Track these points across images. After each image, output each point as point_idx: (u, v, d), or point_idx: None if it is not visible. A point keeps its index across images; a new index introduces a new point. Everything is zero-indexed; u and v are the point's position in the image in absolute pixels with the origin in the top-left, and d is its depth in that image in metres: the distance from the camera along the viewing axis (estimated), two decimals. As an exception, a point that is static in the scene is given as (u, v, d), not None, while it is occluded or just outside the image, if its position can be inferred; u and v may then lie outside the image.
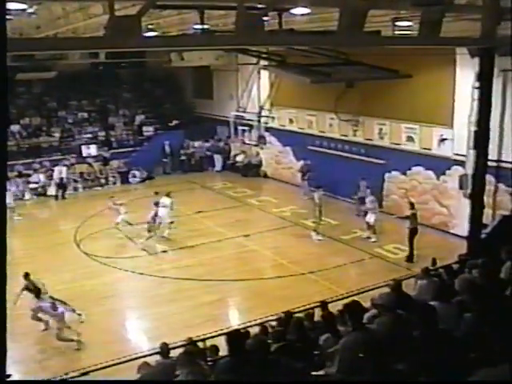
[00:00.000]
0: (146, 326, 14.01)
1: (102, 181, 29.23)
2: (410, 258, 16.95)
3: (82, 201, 26.53)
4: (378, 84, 20.07)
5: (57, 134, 31.28)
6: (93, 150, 30.40)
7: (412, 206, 17.31)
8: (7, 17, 12.50)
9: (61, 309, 13.04)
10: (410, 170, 20.69)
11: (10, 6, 10.57)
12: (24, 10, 11.54)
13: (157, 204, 19.31)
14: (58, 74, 31.10)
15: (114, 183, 29.28)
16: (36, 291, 13.47)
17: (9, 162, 27.83)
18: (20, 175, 27.68)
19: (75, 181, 28.55)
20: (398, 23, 13.41)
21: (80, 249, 19.22)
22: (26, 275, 13.80)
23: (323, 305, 10.38)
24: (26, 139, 30.52)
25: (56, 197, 26.60)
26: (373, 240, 18.91)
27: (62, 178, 27.13)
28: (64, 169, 27.58)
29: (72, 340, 12.77)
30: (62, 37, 15.47)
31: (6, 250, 3.58)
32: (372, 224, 19.03)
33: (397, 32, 13.97)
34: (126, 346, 12.69)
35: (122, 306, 15.16)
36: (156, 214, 19.12)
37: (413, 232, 17.04)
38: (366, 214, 19.34)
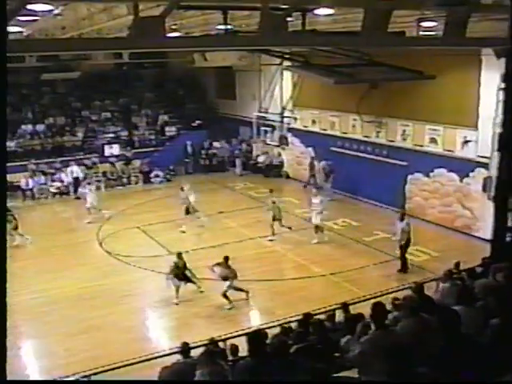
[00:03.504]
0: (166, 325, 14.07)
1: (125, 180, 29.45)
2: (403, 268, 16.47)
3: (104, 200, 26.70)
4: (402, 85, 19.95)
5: (80, 134, 31.58)
6: (115, 149, 30.62)
7: (402, 216, 16.61)
8: (33, 18, 12.65)
9: None
10: (432, 172, 20.52)
11: (37, 7, 10.67)
12: (50, 11, 11.64)
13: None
14: (82, 74, 31.40)
15: (137, 183, 29.47)
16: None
17: (33, 161, 28.31)
18: (44, 174, 28.00)
19: (98, 180, 28.78)
20: (422, 23, 13.29)
21: (102, 247, 19.36)
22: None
23: (344, 306, 10.33)
24: (50, 138, 30.87)
25: (77, 197, 26.89)
26: (315, 242, 18.91)
27: (77, 178, 27.39)
28: (77, 168, 27.86)
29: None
30: (86, 37, 15.60)
31: (6, 250, 3.59)
32: (319, 225, 19.08)
33: (421, 32, 13.86)
34: (146, 344, 12.76)
35: (142, 304, 15.22)
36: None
37: (405, 243, 16.44)
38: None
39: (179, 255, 15.05)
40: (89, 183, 24.88)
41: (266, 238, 19.33)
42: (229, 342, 9.61)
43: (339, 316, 10.07)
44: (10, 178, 27.16)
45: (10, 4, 9.40)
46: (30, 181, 27.42)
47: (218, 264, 14.71)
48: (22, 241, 19.51)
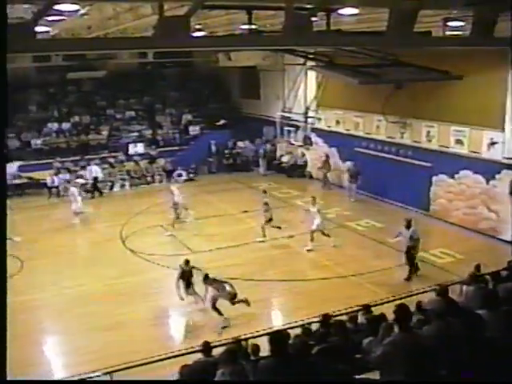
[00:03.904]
0: (189, 324, 14.12)
1: (149, 179, 29.63)
2: (412, 273, 16.05)
3: (128, 198, 26.93)
4: (427, 85, 19.78)
5: (105, 132, 31.85)
6: (140, 148, 30.85)
7: (409, 224, 16.13)
8: (61, 18, 12.79)
9: None
10: (457, 173, 20.29)
11: (63, 7, 10.79)
12: (76, 11, 11.77)
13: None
14: (108, 73, 31.68)
15: (161, 181, 29.62)
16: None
17: (59, 159, 28.65)
18: (69, 171, 28.30)
19: (122, 179, 29.04)
20: (449, 23, 13.16)
21: (125, 245, 19.49)
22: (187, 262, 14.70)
23: (366, 308, 10.27)
24: (75, 137, 31.20)
25: (92, 196, 27.14)
26: (308, 248, 18.55)
27: (95, 178, 27.63)
28: (96, 167, 28.10)
29: (222, 314, 13.50)
30: (111, 37, 15.74)
31: (6, 250, 3.61)
32: (313, 229, 18.67)
33: (448, 32, 13.73)
34: (169, 342, 12.83)
35: (166, 302, 15.28)
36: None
37: (410, 250, 15.99)
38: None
39: (187, 263, 14.71)
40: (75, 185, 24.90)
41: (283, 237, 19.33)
42: (250, 342, 9.62)
43: (361, 317, 10.01)
44: (35, 175, 27.62)
45: (38, 4, 9.52)
46: (56, 178, 27.73)
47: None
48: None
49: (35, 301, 15.48)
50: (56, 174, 27.97)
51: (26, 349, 12.76)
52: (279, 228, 19.44)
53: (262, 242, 19.19)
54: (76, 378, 10.38)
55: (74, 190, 23.22)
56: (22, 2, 9.91)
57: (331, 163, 26.94)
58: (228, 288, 13.66)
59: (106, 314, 14.22)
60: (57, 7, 10.23)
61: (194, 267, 14.61)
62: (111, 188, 28.61)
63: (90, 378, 9.73)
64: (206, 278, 14.02)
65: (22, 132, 30.90)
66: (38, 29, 10.87)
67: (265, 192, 20.21)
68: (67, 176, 27.85)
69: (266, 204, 19.50)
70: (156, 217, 22.30)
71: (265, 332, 9.68)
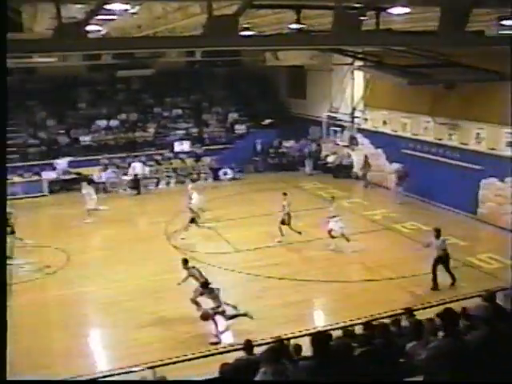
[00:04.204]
0: (232, 322, 14.15)
1: (194, 176, 29.87)
2: (435, 287, 15.46)
3: (173, 195, 27.20)
4: (478, 86, 19.36)
5: (152, 130, 32.26)
6: (186, 146, 31.13)
7: (438, 233, 15.55)
8: (111, 17, 13.01)
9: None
10: (508, 177, 19.80)
11: (114, 6, 10.96)
12: (126, 10, 11.94)
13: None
14: (156, 71, 32.05)
15: (206, 179, 29.85)
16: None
17: (107, 155, 29.18)
18: (117, 168, 28.80)
19: (168, 176, 29.38)
20: (503, 22, 12.82)
21: (170, 242, 19.69)
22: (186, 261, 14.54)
23: (409, 312, 10.12)
24: (122, 134, 31.71)
25: (138, 192, 27.64)
26: (331, 248, 18.45)
27: (136, 175, 27.98)
28: (139, 165, 28.45)
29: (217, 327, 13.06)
30: (160, 36, 15.91)
31: (6, 250, 3.64)
32: (337, 232, 18.48)
33: (501, 31, 13.39)
34: (211, 339, 12.88)
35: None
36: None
37: (439, 260, 15.46)
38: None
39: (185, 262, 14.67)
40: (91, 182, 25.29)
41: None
42: (292, 342, 9.59)
43: (404, 321, 9.87)
44: (83, 171, 28.19)
45: (90, 4, 9.69)
46: (103, 174, 28.26)
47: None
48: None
49: (82, 294, 15.80)
50: (103, 170, 28.51)
51: (72, 340, 13.04)
52: (299, 233, 19.26)
53: (280, 242, 19.13)
54: (118, 372, 10.52)
55: (89, 188, 23.46)
56: (75, 3, 10.10)
57: (371, 163, 26.71)
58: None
59: (149, 310, 14.41)
60: (108, 7, 10.39)
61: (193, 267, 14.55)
62: (157, 185, 28.98)
63: (134, 371, 9.85)
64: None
65: (72, 128, 31.56)
66: (89, 28, 11.08)
67: (285, 194, 19.97)
68: (114, 172, 28.37)
69: (284, 206, 19.39)
70: (201, 215, 22.45)
71: (307, 332, 9.64)
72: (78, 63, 29.43)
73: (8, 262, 18.14)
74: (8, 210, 18.66)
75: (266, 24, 16.05)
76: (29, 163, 29.03)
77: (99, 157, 29.41)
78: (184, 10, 12.86)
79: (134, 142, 31.53)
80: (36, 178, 28.19)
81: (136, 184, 27.82)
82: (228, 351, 9.91)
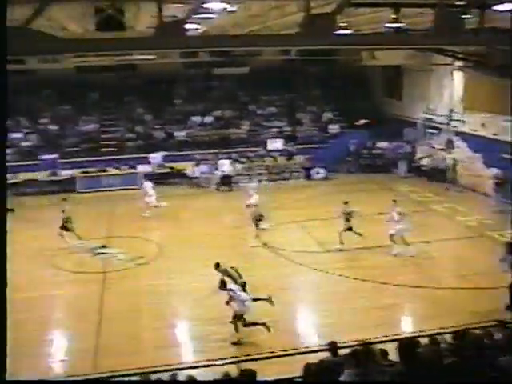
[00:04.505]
0: (316, 322, 14.11)
1: (286, 175, 29.97)
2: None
3: (265, 193, 27.38)
4: None
5: (245, 127, 32.63)
6: (279, 144, 31.25)
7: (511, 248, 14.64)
8: (210, 15, 13.25)
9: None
10: None
11: (213, 5, 11.16)
12: (224, 9, 12.13)
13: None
14: (251, 69, 32.36)
15: (298, 178, 29.86)
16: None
17: (200, 151, 29.82)
18: (211, 164, 29.35)
19: (260, 173, 29.63)
20: None
21: (259, 239, 19.82)
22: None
23: (503, 324, 9.68)
24: (216, 130, 32.27)
25: (230, 189, 28.00)
26: (394, 253, 17.85)
27: (223, 171, 28.32)
28: (227, 162, 28.78)
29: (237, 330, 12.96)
30: (258, 34, 16.04)
31: (6, 250, 3.66)
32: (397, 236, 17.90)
33: None
34: (294, 338, 12.87)
35: (294, 299, 15.39)
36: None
37: None
38: None
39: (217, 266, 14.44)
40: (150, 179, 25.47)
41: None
42: (378, 346, 9.43)
43: (497, 334, 9.46)
44: (177, 166, 28.96)
45: (191, 3, 9.93)
46: (196, 170, 28.89)
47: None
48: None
49: (171, 285, 16.20)
50: (196, 166, 29.13)
51: (159, 329, 13.40)
52: (360, 234, 18.71)
53: (341, 250, 18.61)
54: (203, 364, 10.69)
55: (147, 184, 23.89)
56: (176, 2, 10.36)
57: (465, 167, 25.84)
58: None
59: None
60: (207, 5, 10.59)
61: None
62: (249, 182, 29.28)
63: (217, 365, 9.98)
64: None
65: (168, 124, 32.46)
66: (188, 26, 11.33)
67: (346, 203, 19.42)
68: (206, 168, 28.95)
69: (349, 214, 18.87)
70: (291, 213, 22.50)
71: (394, 338, 9.43)
72: (175, 60, 30.17)
73: (103, 250, 19.02)
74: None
75: (362, 23, 15.84)
76: (125, 156, 30.11)
77: (193, 152, 30.08)
78: (280, 9, 12.92)
79: (228, 139, 32.01)
80: (132, 171, 29.20)
81: (227, 180, 28.23)
82: (312, 351, 9.87)
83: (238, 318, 12.93)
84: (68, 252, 19.15)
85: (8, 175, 28.01)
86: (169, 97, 33.91)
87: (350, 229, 18.72)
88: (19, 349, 12.57)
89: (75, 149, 30.84)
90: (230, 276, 13.91)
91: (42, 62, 28.28)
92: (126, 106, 33.50)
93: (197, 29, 15.76)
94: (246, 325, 12.89)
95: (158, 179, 28.23)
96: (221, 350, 11.88)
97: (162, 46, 9.39)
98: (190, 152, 30.21)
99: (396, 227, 18.02)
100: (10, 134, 31.43)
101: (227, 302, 13.13)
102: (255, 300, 13.36)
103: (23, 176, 28.66)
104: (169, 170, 29.40)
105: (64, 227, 19.46)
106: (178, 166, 29.58)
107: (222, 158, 29.50)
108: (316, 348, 10.31)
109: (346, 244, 18.58)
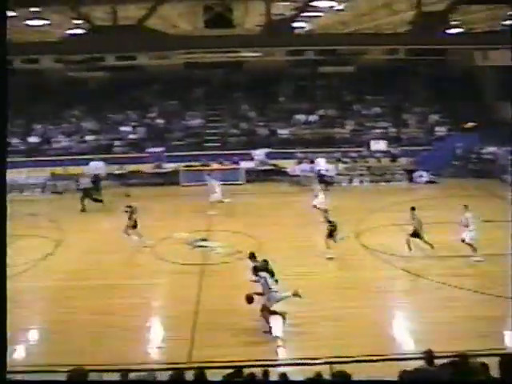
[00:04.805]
0: (413, 328, 13.69)
1: (388, 177, 29.44)
2: None
3: (367, 194, 27.04)
4: None
5: (349, 127, 32.31)
6: (382, 145, 30.77)
7: None
8: (317, 14, 13.23)
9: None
10: None
11: (321, 3, 11.12)
12: (332, 7, 12.06)
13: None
14: (357, 68, 32.01)
15: (400, 181, 29.23)
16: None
17: (302, 149, 29.82)
18: (311, 162, 29.29)
19: (361, 174, 29.30)
20: None
21: (359, 240, 19.55)
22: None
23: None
24: (320, 129, 32.17)
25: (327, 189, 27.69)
26: (476, 259, 17.05)
27: (319, 170, 28.06)
28: (323, 161, 28.50)
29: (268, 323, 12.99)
30: (365, 32, 15.83)
31: (6, 250, 3.64)
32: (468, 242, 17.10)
33: None
34: (389, 344, 12.58)
35: (392, 303, 15.04)
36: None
37: None
38: None
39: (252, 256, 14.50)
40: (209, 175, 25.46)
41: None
42: (477, 359, 9.05)
43: None
44: (279, 163, 29.15)
45: (299, 2, 9.92)
46: (297, 168, 28.95)
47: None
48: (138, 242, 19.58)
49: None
50: (298, 164, 29.19)
51: (255, 327, 13.49)
52: (431, 247, 17.85)
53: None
54: (296, 362, 10.65)
55: (213, 181, 24.01)
56: (281, 1, 10.42)
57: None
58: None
59: (332, 305, 14.43)
60: (314, 3, 10.57)
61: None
62: (350, 182, 29.05)
63: (309, 364, 9.91)
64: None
65: (271, 121, 32.71)
66: (295, 24, 11.35)
67: (413, 209, 18.46)
68: (307, 166, 28.93)
69: (414, 219, 18.06)
70: (392, 216, 22.01)
71: (496, 352, 9.00)
72: (281, 58, 30.35)
73: (203, 243, 19.45)
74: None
75: (476, 21, 15.25)
76: (228, 152, 30.64)
77: (294, 150, 30.14)
78: (390, 7, 12.68)
79: (331, 138, 31.85)
80: (234, 166, 29.67)
81: (323, 179, 28.08)
82: (408, 359, 9.61)
83: (265, 309, 13.12)
84: (169, 243, 19.75)
85: (115, 166, 29.45)
86: (273, 94, 34.17)
87: (416, 235, 17.99)
88: (124, 332, 13.16)
89: (180, 143, 31.75)
90: (263, 268, 13.93)
91: (152, 59, 29.39)
92: (231, 102, 34.10)
93: (303, 27, 15.79)
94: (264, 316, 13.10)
95: (260, 176, 28.56)
96: (313, 350, 11.80)
97: (270, 43, 9.48)
98: (292, 150, 30.29)
99: (465, 233, 17.43)
100: (119, 127, 32.92)
101: (260, 294, 13.25)
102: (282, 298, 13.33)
103: (129, 168, 29.92)
104: (271, 167, 29.64)
105: (132, 225, 19.40)
106: (280, 163, 29.76)
107: (319, 157, 29.33)
108: (411, 356, 10.02)
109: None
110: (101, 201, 25.17)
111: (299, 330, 13.27)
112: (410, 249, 18.00)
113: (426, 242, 18.01)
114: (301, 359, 10.89)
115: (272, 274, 13.77)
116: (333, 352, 10.75)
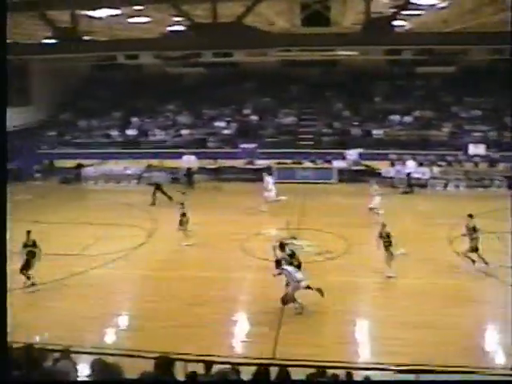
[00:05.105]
0: (505, 341, 13.10)
1: (486, 182, 28.33)
2: None
3: (463, 199, 26.18)
4: None
5: (446, 129, 31.36)
6: (481, 149, 29.65)
7: None
8: (415, 12, 12.92)
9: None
10: None
11: (422, 1, 10.83)
12: (433, 5, 11.72)
13: None
14: (457, 68, 31.01)
15: (499, 187, 28.04)
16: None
17: (397, 151, 29.23)
18: (403, 163, 28.71)
19: (457, 179, 28.41)
20: None
21: (451, 246, 18.93)
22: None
23: None
24: (416, 130, 31.43)
25: (410, 191, 27.42)
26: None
27: (409, 173, 27.34)
28: (412, 163, 28.01)
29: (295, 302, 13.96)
30: (466, 32, 15.31)
31: (6, 249, 3.61)
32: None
33: None
34: (479, 356, 12.07)
35: (484, 313, 14.46)
36: None
37: None
38: None
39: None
40: (270, 174, 25.71)
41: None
42: None
43: None
44: (373, 164, 28.75)
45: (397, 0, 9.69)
46: (391, 170, 28.45)
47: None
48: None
49: (355, 283, 16.18)
50: (392, 165, 28.67)
51: (341, 327, 13.39)
52: (486, 263, 16.72)
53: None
54: (379, 367, 10.47)
55: (268, 179, 24.16)
56: None
57: None
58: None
59: (417, 311, 14.13)
60: (414, 1, 10.31)
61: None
62: (445, 186, 28.25)
63: (392, 369, 9.71)
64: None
65: (366, 121, 32.28)
66: (395, 23, 11.13)
67: (471, 216, 17.20)
68: (401, 168, 28.40)
69: (472, 230, 16.91)
70: (489, 223, 21.05)
71: None
72: (377, 57, 29.88)
73: (292, 241, 19.48)
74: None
75: None
76: (321, 151, 30.53)
77: (389, 151, 29.61)
78: (494, 5, 12.17)
79: (427, 141, 31.03)
80: (327, 165, 29.55)
81: (410, 182, 27.53)
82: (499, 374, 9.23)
83: (288, 299, 13.95)
84: (259, 239, 19.94)
85: (208, 161, 30.11)
86: (369, 94, 33.73)
87: (475, 249, 16.91)
88: (210, 326, 13.42)
89: (273, 140, 31.94)
90: (290, 256, 14.88)
91: (248, 56, 29.72)
92: (326, 100, 33.94)
93: (403, 26, 15.46)
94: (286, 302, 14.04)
95: (353, 176, 28.28)
96: (395, 356, 11.53)
97: (369, 42, 9.32)
98: (386, 151, 29.77)
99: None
100: (214, 122, 33.55)
101: (287, 285, 14.14)
102: (307, 288, 13.99)
103: (222, 163, 30.47)
104: (364, 168, 29.28)
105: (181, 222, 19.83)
106: (373, 164, 29.33)
107: (411, 159, 28.69)
108: (503, 371, 9.62)
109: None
110: (170, 197, 25.70)
111: (387, 334, 13.04)
112: (474, 261, 17.05)
113: (480, 256, 16.99)
114: (382, 364, 10.71)
115: (298, 267, 14.62)
116: (417, 360, 10.47)
